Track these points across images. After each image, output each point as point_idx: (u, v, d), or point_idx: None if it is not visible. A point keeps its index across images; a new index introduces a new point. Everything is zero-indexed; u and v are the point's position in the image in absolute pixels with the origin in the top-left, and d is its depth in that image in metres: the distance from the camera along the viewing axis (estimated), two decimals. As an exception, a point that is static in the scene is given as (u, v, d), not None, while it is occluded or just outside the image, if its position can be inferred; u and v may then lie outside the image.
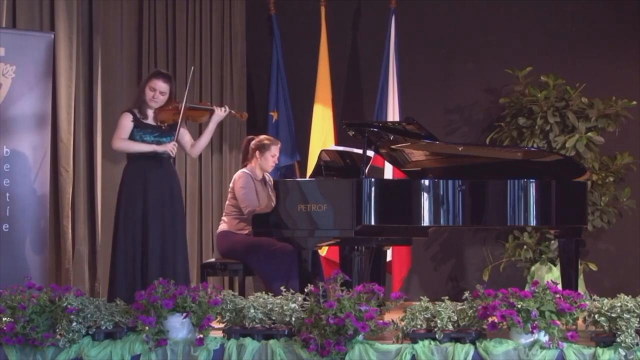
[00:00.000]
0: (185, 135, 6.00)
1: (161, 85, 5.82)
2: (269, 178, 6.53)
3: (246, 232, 6.21)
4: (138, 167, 5.82)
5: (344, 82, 8.34)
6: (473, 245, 8.13)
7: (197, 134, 6.81)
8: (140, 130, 5.80)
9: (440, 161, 6.28)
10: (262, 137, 6.56)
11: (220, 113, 5.91)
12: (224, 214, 6.48)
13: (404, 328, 4.91)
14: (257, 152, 6.41)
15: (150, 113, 5.84)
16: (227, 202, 6.44)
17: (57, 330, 5.05)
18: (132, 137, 5.80)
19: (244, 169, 6.43)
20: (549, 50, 8.03)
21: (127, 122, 5.81)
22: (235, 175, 6.41)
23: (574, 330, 4.83)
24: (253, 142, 6.48)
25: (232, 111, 6.11)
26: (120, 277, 5.73)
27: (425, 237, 6.77)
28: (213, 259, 6.56)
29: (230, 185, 6.42)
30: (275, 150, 6.45)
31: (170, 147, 5.78)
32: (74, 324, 5.02)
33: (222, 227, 6.39)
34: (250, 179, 6.34)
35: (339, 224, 5.58)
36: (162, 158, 5.82)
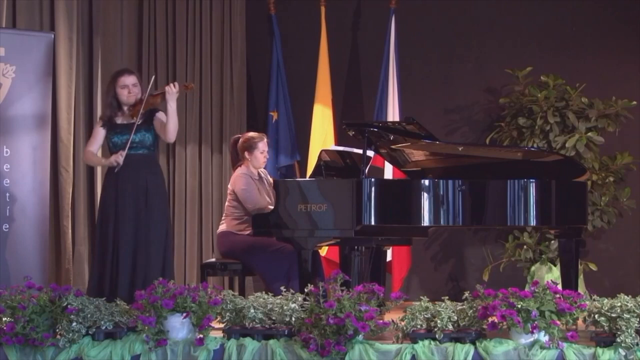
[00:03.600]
0: (160, 120, 5.85)
1: (129, 79, 5.79)
2: (265, 174, 6.51)
3: (247, 232, 6.19)
4: (111, 169, 5.78)
5: (344, 82, 8.33)
6: (473, 245, 8.12)
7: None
8: (110, 132, 5.80)
9: (440, 161, 6.28)
10: (247, 135, 6.46)
11: (172, 90, 5.69)
12: (223, 215, 6.46)
13: (404, 328, 4.91)
14: (246, 153, 6.36)
15: (125, 112, 5.80)
16: (226, 204, 6.41)
17: (57, 330, 5.05)
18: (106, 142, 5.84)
19: (240, 170, 6.35)
20: (549, 50, 8.03)
21: (97, 131, 5.85)
22: (233, 177, 6.35)
23: (574, 330, 4.82)
24: (239, 143, 6.41)
25: (181, 85, 5.84)
26: (91, 281, 5.77)
27: (425, 237, 6.77)
28: (213, 259, 6.55)
29: (229, 187, 6.37)
30: (262, 146, 6.37)
31: (113, 159, 5.70)
32: (74, 324, 5.01)
33: (222, 227, 6.37)
34: (250, 178, 6.30)
35: (339, 224, 5.58)
36: (133, 156, 5.71)
